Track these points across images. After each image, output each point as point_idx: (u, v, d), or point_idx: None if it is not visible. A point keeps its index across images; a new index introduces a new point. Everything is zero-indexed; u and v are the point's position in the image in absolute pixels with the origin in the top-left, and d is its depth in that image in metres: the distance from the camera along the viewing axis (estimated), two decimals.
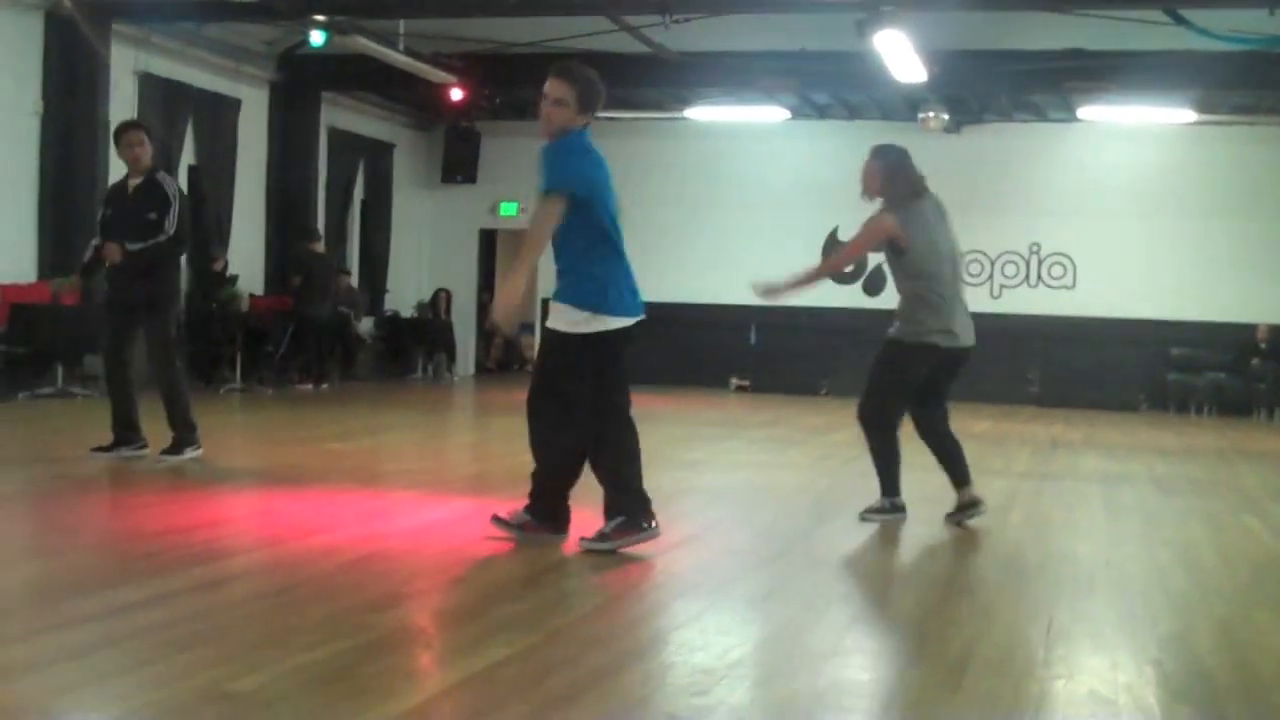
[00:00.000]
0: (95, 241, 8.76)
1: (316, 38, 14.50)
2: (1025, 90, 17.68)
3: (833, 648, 4.48)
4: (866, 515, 7.06)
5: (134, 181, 8.67)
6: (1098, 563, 6.33)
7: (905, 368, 7.10)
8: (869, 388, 7.21)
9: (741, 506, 8.08)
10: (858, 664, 4.36)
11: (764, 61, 16.64)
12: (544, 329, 6.10)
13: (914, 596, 5.47)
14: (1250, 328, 18.56)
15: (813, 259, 19.93)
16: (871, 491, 7.25)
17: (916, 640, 4.74)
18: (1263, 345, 18.43)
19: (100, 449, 8.65)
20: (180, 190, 8.79)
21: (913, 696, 3.98)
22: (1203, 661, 4.53)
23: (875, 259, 19.79)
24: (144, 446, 8.69)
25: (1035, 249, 19.52)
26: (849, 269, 18.98)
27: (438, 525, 6.82)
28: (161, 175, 8.79)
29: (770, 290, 7.25)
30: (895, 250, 7.19)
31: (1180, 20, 14.19)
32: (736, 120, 19.58)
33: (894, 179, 7.28)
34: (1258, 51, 15.01)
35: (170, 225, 8.46)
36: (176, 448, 8.63)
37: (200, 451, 8.70)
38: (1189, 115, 18.15)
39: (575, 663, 4.07)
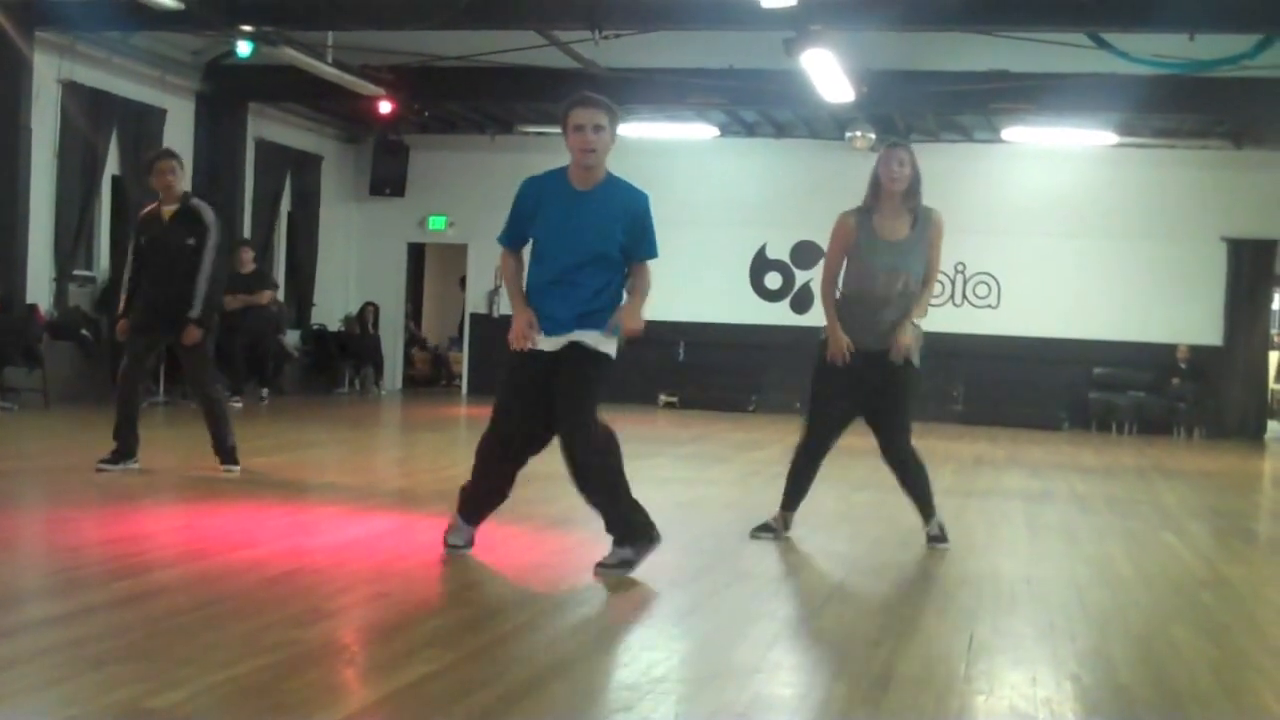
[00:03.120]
0: (127, 276, 9.03)
1: (243, 48, 14.36)
2: (951, 111, 17.89)
3: (757, 663, 4.49)
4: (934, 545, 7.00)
5: (169, 208, 8.90)
6: (1019, 579, 6.40)
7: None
8: (904, 421, 7.16)
9: (667, 523, 7.97)
10: (781, 679, 4.38)
11: (693, 79, 16.72)
12: (600, 354, 5.99)
13: (838, 612, 5.49)
14: (1170, 348, 18.87)
15: (741, 276, 20.19)
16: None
17: (840, 656, 4.77)
18: (1183, 365, 18.73)
19: (106, 462, 8.64)
20: (217, 219, 9.00)
21: (836, 711, 4.00)
22: (1120, 676, 4.60)
23: (805, 276, 20.05)
24: (136, 462, 8.77)
25: (960, 268, 19.72)
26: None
27: (363, 540, 6.77)
28: (197, 202, 9.08)
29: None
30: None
31: (1103, 44, 14.41)
32: (666, 137, 19.62)
33: (920, 180, 7.12)
34: (1178, 76, 15.28)
35: (208, 259, 8.79)
36: (230, 461, 8.84)
37: (238, 470, 8.84)
38: (1111, 138, 18.45)
39: (499, 679, 4.06)
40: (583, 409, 5.93)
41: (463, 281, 22.17)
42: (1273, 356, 21.12)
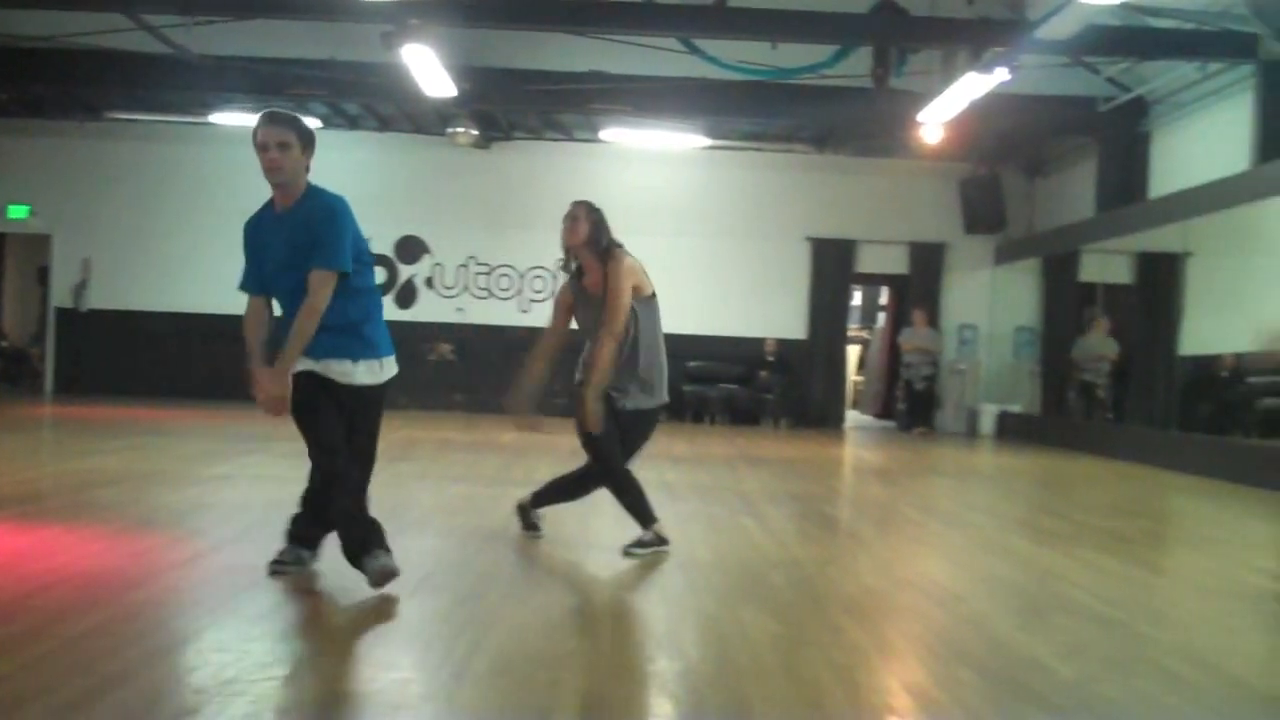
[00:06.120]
0: None
1: None
2: (552, 109, 18.20)
3: (336, 658, 4.48)
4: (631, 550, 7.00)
5: None
6: (603, 567, 6.59)
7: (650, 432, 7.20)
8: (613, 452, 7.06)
9: (257, 521, 7.89)
10: (359, 674, 4.37)
11: (293, 69, 16.42)
12: (368, 388, 5.77)
13: (421, 605, 5.49)
14: (760, 341, 19.82)
15: None
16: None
17: (421, 648, 4.79)
18: (770, 358, 19.69)
19: None
20: None
21: (410, 705, 4.02)
22: (689, 657, 4.80)
23: (409, 271, 20.01)
24: None
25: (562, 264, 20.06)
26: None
27: None
28: None
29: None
30: (642, 298, 7.00)
31: (694, 49, 15.00)
32: None
33: (601, 228, 6.98)
34: (763, 82, 16.05)
35: None
36: None
37: None
38: (703, 140, 19.20)
39: (58, 688, 3.89)
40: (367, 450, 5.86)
41: (43, 274, 21.07)
42: (851, 350, 22.49)
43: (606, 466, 7.07)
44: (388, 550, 5.63)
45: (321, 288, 5.52)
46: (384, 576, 5.51)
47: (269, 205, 5.77)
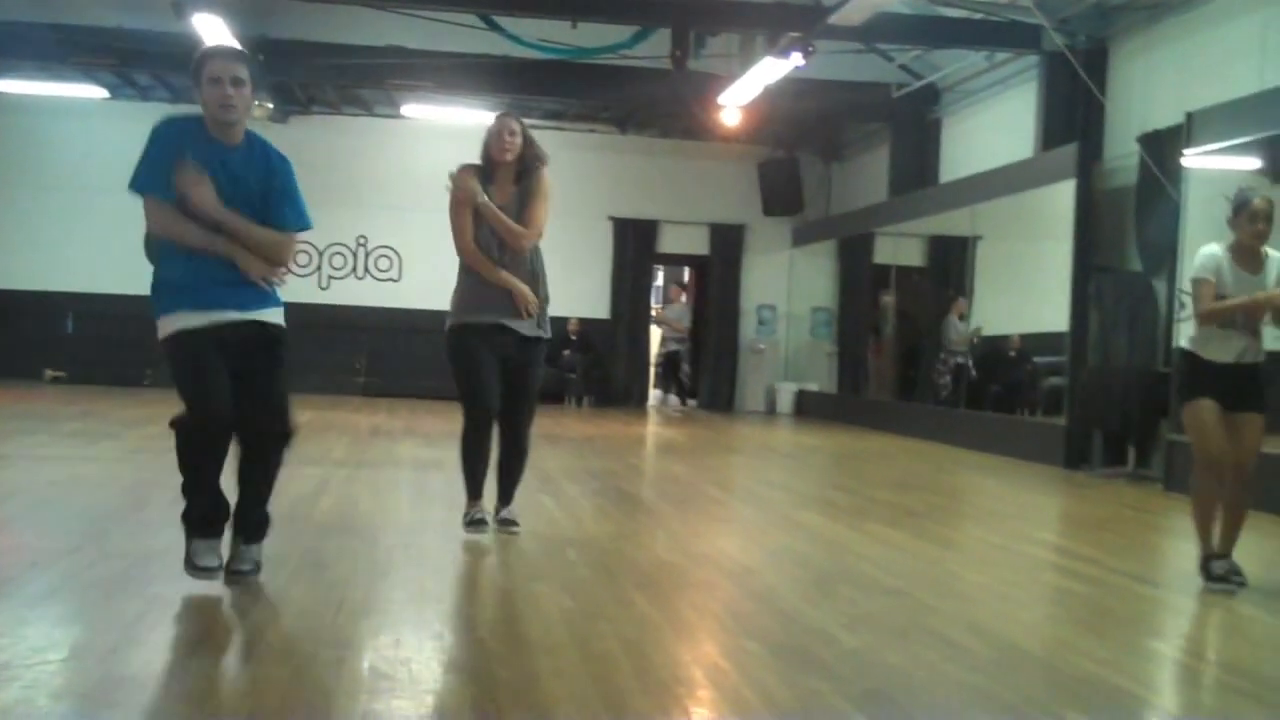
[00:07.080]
0: None
1: None
2: (351, 84, 17.94)
3: (116, 641, 4.35)
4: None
5: None
6: (396, 545, 6.54)
7: None
8: (533, 404, 7.25)
9: (36, 503, 7.64)
10: (139, 657, 4.25)
11: (79, 36, 15.87)
12: (278, 326, 5.41)
13: (208, 587, 5.34)
14: (562, 321, 19.82)
15: (129, 244, 19.18)
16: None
17: (204, 629, 4.70)
18: (573, 337, 19.72)
19: None
20: None
21: (194, 686, 3.93)
22: (479, 631, 4.80)
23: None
24: None
25: (363, 241, 19.83)
26: None
27: None
28: None
29: None
30: None
31: (494, 26, 14.91)
32: (50, 95, 18.52)
33: (533, 140, 7.21)
34: (563, 61, 16.04)
35: None
36: None
37: None
38: None
39: None
40: (283, 400, 5.39)
41: None
42: (654, 330, 22.67)
43: (470, 404, 6.98)
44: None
45: (293, 246, 5.46)
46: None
47: (199, 126, 5.30)
